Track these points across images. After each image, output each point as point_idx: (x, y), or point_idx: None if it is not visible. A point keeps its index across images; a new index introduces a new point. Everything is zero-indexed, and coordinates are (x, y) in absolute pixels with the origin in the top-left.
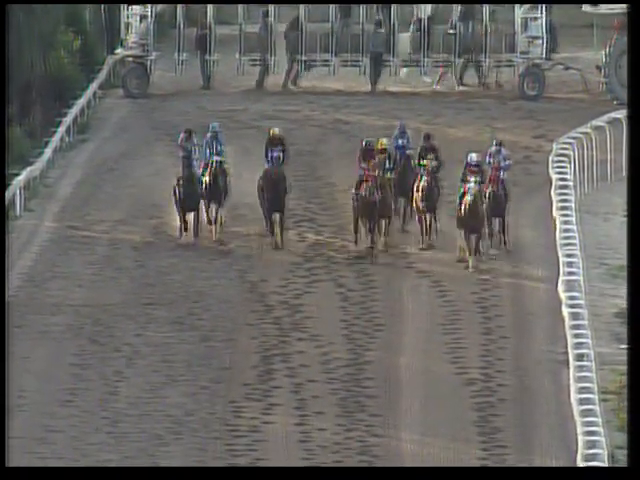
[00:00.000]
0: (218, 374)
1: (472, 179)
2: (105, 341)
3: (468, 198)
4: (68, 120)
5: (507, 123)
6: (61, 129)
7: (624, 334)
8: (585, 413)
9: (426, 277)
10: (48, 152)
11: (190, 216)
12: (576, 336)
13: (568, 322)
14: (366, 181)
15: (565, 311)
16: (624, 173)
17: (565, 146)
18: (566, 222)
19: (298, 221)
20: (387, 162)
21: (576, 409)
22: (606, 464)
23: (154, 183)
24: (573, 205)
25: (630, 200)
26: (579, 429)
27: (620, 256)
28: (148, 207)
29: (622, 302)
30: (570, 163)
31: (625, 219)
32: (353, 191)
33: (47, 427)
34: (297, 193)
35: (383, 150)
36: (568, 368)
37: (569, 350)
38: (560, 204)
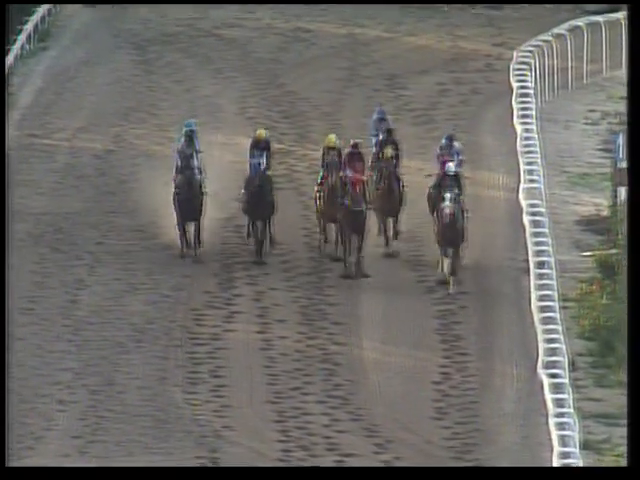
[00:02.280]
0: (179, 282)
1: (448, 194)
2: (66, 249)
3: (446, 210)
4: (29, 28)
5: (468, 31)
6: (22, 37)
7: (585, 241)
8: (546, 320)
9: None
10: (9, 60)
11: (191, 227)
12: (537, 244)
13: (529, 230)
14: (354, 187)
15: (526, 219)
16: (585, 81)
17: (526, 54)
18: (527, 130)
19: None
20: (337, 160)
21: (537, 316)
22: (566, 371)
23: (115, 91)
24: (534, 113)
25: (630, 198)
26: (540, 336)
27: (580, 164)
28: (109, 115)
29: (583, 209)
30: (531, 71)
31: (586, 127)
32: (316, 188)
33: (8, 335)
34: (258, 102)
35: (332, 148)
36: (529, 276)
37: (530, 258)
38: (521, 112)
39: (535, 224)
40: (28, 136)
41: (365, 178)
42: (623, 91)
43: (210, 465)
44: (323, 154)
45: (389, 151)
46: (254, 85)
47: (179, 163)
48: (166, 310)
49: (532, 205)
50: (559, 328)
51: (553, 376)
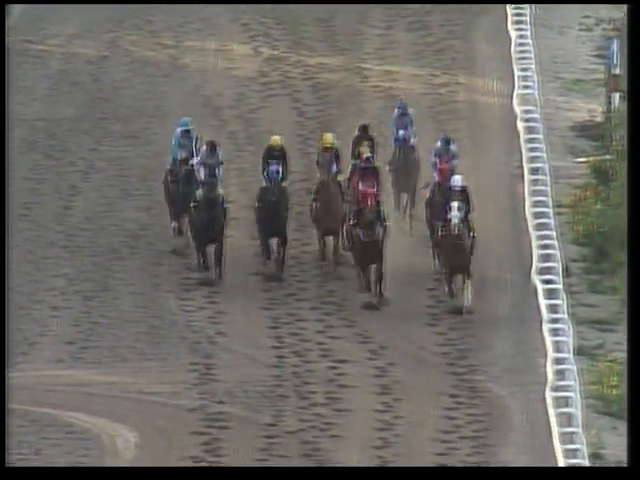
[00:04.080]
0: None
1: (454, 205)
2: (60, 155)
3: (454, 220)
4: None
5: None
6: None
7: (579, 147)
8: (540, 226)
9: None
10: None
11: (211, 249)
12: (531, 150)
13: (523, 136)
14: (364, 204)
15: (520, 125)
16: None
17: None
18: (521, 36)
19: (253, 35)
20: (334, 162)
21: (531, 222)
22: (560, 277)
23: None
24: (528, 19)
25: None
26: (534, 242)
27: (574, 70)
28: (103, 21)
29: (577, 115)
30: None
31: (580, 33)
32: (313, 196)
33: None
34: (252, 9)
35: (328, 149)
36: (523, 182)
37: (524, 164)
38: (515, 18)
39: (529, 130)
40: (22, 42)
41: (377, 192)
42: None
43: (204, 371)
44: (318, 155)
45: (365, 148)
46: None
47: (200, 175)
48: (160, 216)
49: (526, 111)
50: (553, 234)
51: (547, 282)
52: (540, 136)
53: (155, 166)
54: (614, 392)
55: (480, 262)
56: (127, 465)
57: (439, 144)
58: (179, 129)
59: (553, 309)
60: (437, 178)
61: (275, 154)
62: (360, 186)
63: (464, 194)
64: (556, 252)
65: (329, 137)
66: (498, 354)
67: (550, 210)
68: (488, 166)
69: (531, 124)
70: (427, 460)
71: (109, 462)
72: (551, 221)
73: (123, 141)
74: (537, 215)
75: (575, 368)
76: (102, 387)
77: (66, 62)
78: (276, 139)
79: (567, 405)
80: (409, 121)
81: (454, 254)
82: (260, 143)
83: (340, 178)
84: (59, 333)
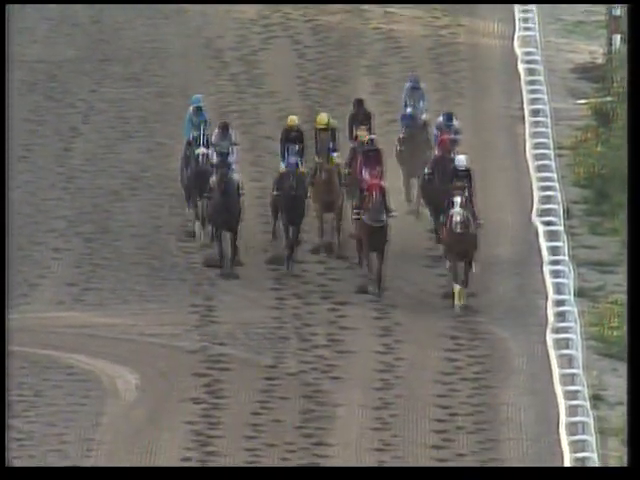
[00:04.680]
0: (174, 130)
1: (458, 198)
2: (60, 97)
3: (457, 217)
4: None
5: None
6: None
7: (579, 89)
8: (540, 168)
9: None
10: None
11: (227, 237)
12: (532, 92)
13: (524, 78)
14: (369, 194)
15: (521, 67)
16: None
17: None
18: None
19: None
20: (331, 142)
21: (532, 164)
22: (561, 219)
23: None
24: None
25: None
26: (535, 184)
27: (575, 11)
28: None
29: (577, 57)
30: None
31: None
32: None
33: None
34: None
35: (324, 129)
36: (524, 124)
37: (525, 106)
38: None
39: (530, 72)
40: None
41: (384, 183)
42: None
43: (205, 313)
44: (315, 135)
45: (363, 132)
46: None
47: (213, 159)
48: (161, 158)
49: (527, 53)
50: (554, 176)
51: (548, 224)
52: (541, 78)
53: (156, 108)
54: (614, 334)
55: (481, 204)
56: (127, 407)
57: (441, 119)
58: (191, 107)
59: (554, 251)
60: (437, 151)
61: (292, 135)
62: (364, 173)
63: (467, 176)
64: (557, 194)
65: (324, 117)
66: (499, 296)
67: (551, 152)
68: (489, 108)
69: (532, 66)
70: (428, 402)
71: (110, 404)
72: (552, 163)
73: (124, 83)
74: (538, 157)
75: (576, 310)
76: (103, 329)
77: (67, 4)
78: (293, 119)
79: (568, 347)
80: (420, 95)
81: (458, 243)
82: (260, 85)
83: (337, 160)
84: (60, 275)
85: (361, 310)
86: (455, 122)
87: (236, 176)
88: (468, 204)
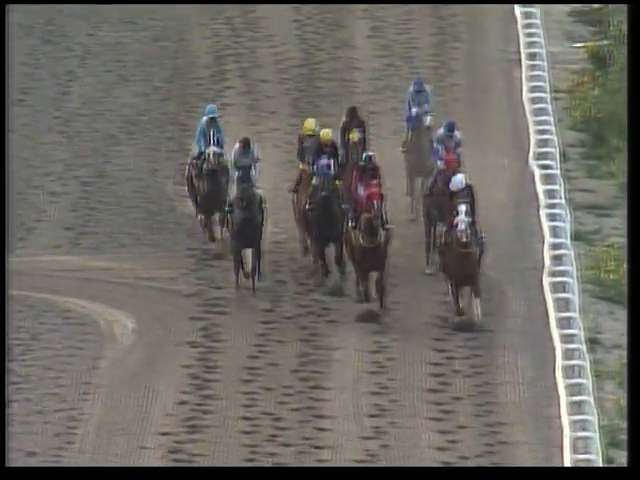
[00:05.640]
0: (171, 74)
1: (462, 209)
2: (57, 40)
3: (462, 225)
4: None
5: None
6: None
7: (576, 33)
8: (537, 112)
9: None
10: None
11: (248, 253)
12: (528, 35)
13: (520, 21)
14: (367, 210)
15: (517, 10)
16: None
17: None
18: None
19: None
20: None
21: (528, 108)
22: (557, 162)
23: None
24: None
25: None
26: (531, 128)
27: None
28: None
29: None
30: None
31: None
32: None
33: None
34: None
35: (311, 135)
36: (520, 67)
37: (521, 49)
38: None
39: (526, 16)
40: None
41: (383, 192)
42: None
43: (202, 257)
44: (300, 144)
45: (355, 135)
46: None
47: (234, 175)
48: (157, 102)
49: None
50: (550, 119)
51: (544, 167)
52: (537, 21)
53: (153, 52)
54: (611, 277)
55: (478, 148)
56: (123, 351)
57: (442, 130)
58: (204, 117)
59: (550, 194)
60: (441, 166)
61: (326, 150)
62: (359, 189)
63: (469, 194)
64: (553, 137)
65: (311, 123)
66: (495, 239)
67: (547, 95)
68: (485, 52)
69: (528, 9)
70: (425, 345)
71: (106, 347)
72: (548, 106)
73: (121, 26)
74: (534, 100)
75: (572, 253)
76: (99, 273)
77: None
78: (327, 133)
79: (564, 290)
80: (425, 98)
81: (460, 264)
82: (257, 29)
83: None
84: (56, 219)
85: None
86: (456, 133)
87: (258, 191)
88: (472, 221)
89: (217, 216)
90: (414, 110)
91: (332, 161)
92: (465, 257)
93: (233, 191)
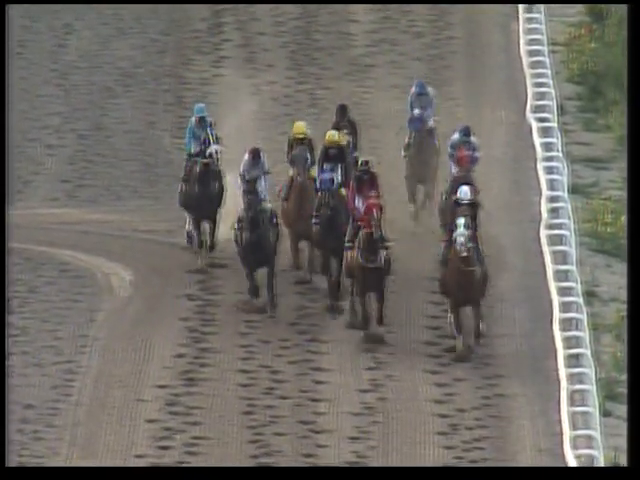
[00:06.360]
0: (168, 26)
1: (461, 222)
2: None
3: (460, 239)
4: None
5: None
6: None
7: None
8: (534, 64)
9: None
10: None
11: (259, 272)
12: None
13: None
14: (365, 223)
15: None
16: None
17: None
18: None
19: None
20: (308, 154)
21: (526, 61)
22: (554, 115)
23: None
24: None
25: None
26: (528, 80)
27: None
28: None
29: None
30: None
31: None
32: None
33: None
34: None
35: (302, 139)
36: (517, 21)
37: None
38: None
39: None
40: None
41: (382, 203)
42: None
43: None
44: (290, 148)
45: (345, 137)
46: None
47: (241, 188)
48: (154, 55)
49: None
50: (548, 72)
51: (542, 120)
52: None
53: (149, 4)
54: (608, 230)
55: (475, 102)
56: (121, 304)
57: (457, 135)
58: (193, 117)
59: (548, 147)
60: (454, 170)
61: (331, 153)
62: (357, 201)
63: (473, 209)
64: (551, 90)
65: (301, 126)
66: (492, 193)
67: (545, 48)
68: (483, 5)
69: None
70: (422, 298)
71: (104, 300)
72: (546, 59)
73: None
74: (532, 53)
75: (569, 206)
76: (97, 225)
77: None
78: (333, 135)
79: (561, 243)
80: (428, 102)
81: (462, 282)
82: None
83: (314, 173)
84: (54, 171)
85: None
86: (473, 138)
87: (268, 205)
88: (474, 236)
89: (207, 226)
90: (416, 112)
91: (338, 165)
92: (467, 275)
93: (240, 204)
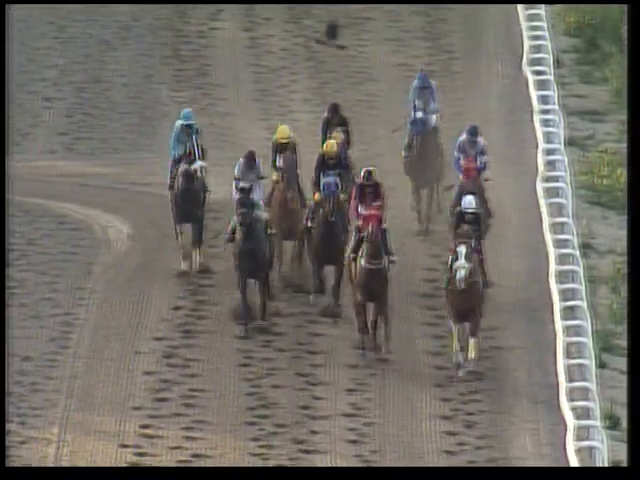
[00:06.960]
0: None
1: (462, 252)
2: None
3: (461, 272)
4: None
5: None
6: None
7: None
8: (531, 17)
9: None
10: None
11: (251, 284)
12: None
13: None
14: (364, 226)
15: None
16: None
17: None
18: None
19: None
20: (295, 161)
21: (522, 14)
22: (551, 68)
23: None
24: None
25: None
26: (525, 33)
27: None
28: None
29: None
30: None
31: None
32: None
33: None
34: None
35: (286, 144)
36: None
37: None
38: None
39: None
40: None
41: (383, 214)
42: None
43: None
44: (274, 152)
45: (338, 136)
46: None
47: (235, 196)
48: (152, 7)
49: None
50: (544, 25)
51: (538, 73)
52: None
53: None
54: (604, 182)
55: (471, 55)
56: (118, 256)
57: (464, 135)
58: (179, 122)
59: (544, 100)
60: (461, 179)
61: (331, 163)
62: (359, 209)
63: (476, 220)
64: (547, 43)
65: (286, 130)
66: (488, 144)
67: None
68: None
69: None
70: (419, 252)
71: (101, 253)
72: (542, 12)
73: None
74: (528, 6)
75: (566, 159)
76: (94, 178)
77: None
78: (332, 145)
79: (558, 195)
80: (430, 95)
81: (460, 300)
82: None
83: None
84: (51, 124)
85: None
86: (480, 139)
87: (263, 214)
88: (475, 255)
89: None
90: (419, 114)
91: (337, 176)
92: (465, 299)
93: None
